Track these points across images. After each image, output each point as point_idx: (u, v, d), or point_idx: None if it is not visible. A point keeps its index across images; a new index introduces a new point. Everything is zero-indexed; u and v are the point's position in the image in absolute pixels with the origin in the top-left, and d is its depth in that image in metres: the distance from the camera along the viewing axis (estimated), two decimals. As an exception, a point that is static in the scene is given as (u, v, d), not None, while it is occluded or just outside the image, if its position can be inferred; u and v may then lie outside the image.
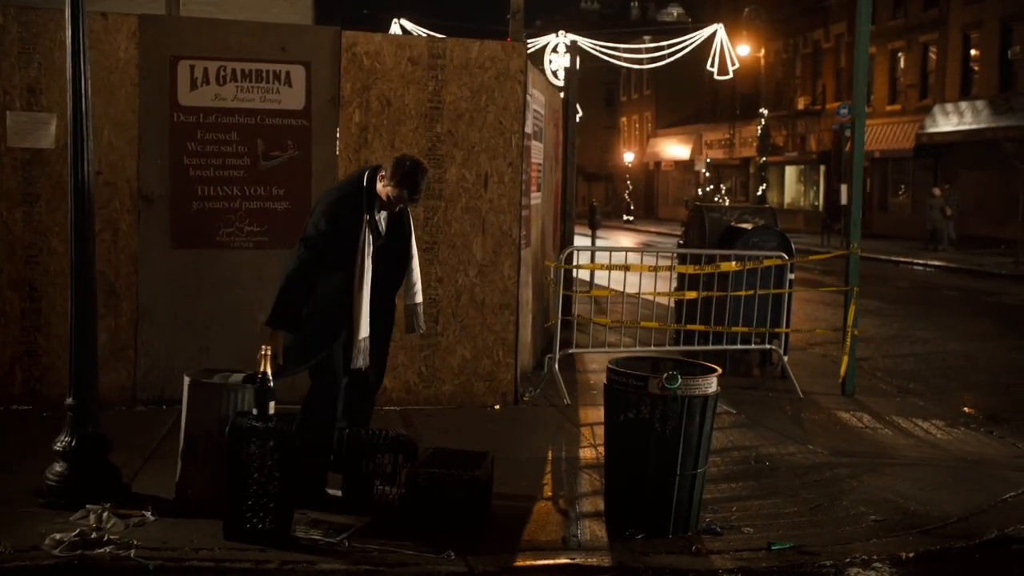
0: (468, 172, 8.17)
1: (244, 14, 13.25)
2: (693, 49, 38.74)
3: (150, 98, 7.64)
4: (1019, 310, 17.92)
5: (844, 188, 35.94)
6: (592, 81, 70.19)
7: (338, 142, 7.92)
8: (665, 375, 5.40)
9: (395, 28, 35.31)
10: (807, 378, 10.27)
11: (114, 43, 7.58)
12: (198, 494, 5.52)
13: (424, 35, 38.14)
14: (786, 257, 9.52)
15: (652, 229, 50.00)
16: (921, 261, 28.81)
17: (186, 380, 5.70)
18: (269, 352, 5.26)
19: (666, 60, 41.43)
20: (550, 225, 11.80)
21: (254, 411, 5.21)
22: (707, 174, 52.31)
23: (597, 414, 8.26)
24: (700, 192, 50.22)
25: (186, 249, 7.73)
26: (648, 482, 5.48)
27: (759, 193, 42.79)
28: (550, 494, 6.22)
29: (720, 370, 5.71)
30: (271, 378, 5.22)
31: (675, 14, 78.50)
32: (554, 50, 36.85)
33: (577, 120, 45.77)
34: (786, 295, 10.04)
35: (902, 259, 29.74)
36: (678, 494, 5.49)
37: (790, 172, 49.44)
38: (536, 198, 10.35)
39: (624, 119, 71.93)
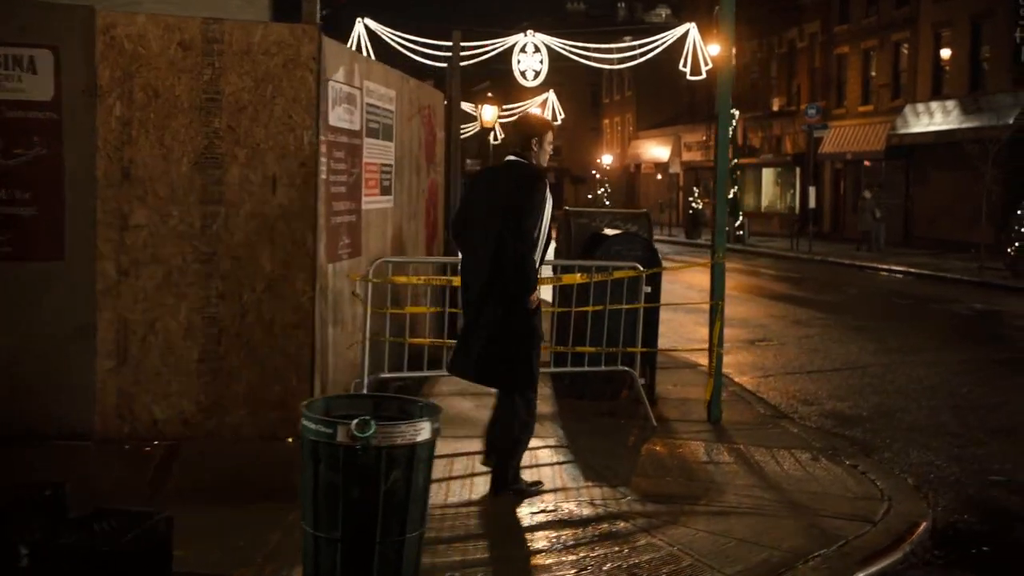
0: (253, 173, 7.18)
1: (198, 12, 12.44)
2: (672, 50, 37.81)
3: None
4: (962, 320, 16.93)
5: (812, 191, 35.03)
6: (579, 83, 69.40)
7: (97, 138, 6.93)
8: (355, 421, 4.41)
9: (359, 29, 34.38)
10: (678, 402, 9.32)
11: None
12: None
13: (395, 36, 37.22)
14: (639, 268, 8.52)
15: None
16: (884, 266, 27.83)
17: None
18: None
19: (637, 60, 40.47)
20: (416, 231, 10.83)
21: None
22: (677, 175, 51.38)
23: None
24: (684, 195, 49.35)
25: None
26: (344, 552, 4.49)
27: (730, 196, 41.72)
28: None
29: (440, 409, 4.72)
30: None
31: (663, 15, 77.61)
32: (522, 50, 35.90)
33: (558, 122, 44.75)
34: (647, 310, 9.04)
35: (867, 264, 28.77)
36: (379, 565, 4.50)
37: (767, 174, 48.46)
38: (380, 202, 9.38)
39: (607, 121, 71.07)
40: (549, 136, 6.50)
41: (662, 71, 45.04)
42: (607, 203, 58.79)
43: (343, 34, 33.72)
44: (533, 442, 7.57)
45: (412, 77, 10.66)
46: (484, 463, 6.50)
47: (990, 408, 9.73)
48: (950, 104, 32.41)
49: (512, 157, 6.46)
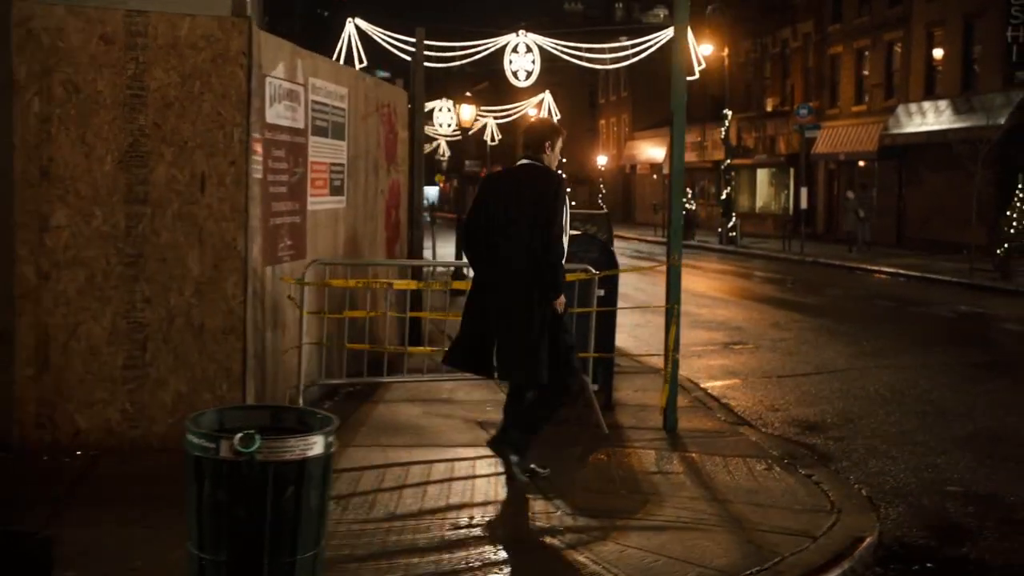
0: (180, 172, 6.91)
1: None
2: (667, 50, 37.49)
3: None
4: (943, 322, 16.66)
5: (804, 191, 34.78)
6: (576, 84, 69.08)
7: (14, 136, 6.67)
8: (239, 436, 4.14)
9: (349, 29, 34.12)
10: (636, 409, 9.04)
11: None
12: None
13: (385, 35, 36.93)
14: (591, 270, 8.24)
15: (623, 234, 48.67)
16: (874, 267, 27.54)
17: None
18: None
19: (630, 61, 40.22)
20: (374, 232, 10.55)
21: None
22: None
23: (355, 457, 7.04)
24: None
25: None
26: (230, 575, 4.22)
27: (723, 197, 41.46)
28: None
29: (335, 421, 4.44)
30: None
31: (661, 16, 77.24)
32: (514, 50, 35.60)
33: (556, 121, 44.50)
34: (603, 314, 8.77)
35: (857, 265, 28.48)
36: (267, 588, 4.22)
37: (761, 175, 48.17)
38: (331, 202, 9.12)
39: (603, 121, 70.76)
40: (560, 140, 6.71)
41: (658, 71, 44.67)
42: (601, 204, 58.49)
43: (338, 35, 33.55)
44: (472, 452, 7.34)
45: (368, 74, 10.39)
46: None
47: (957, 415, 9.45)
48: (942, 104, 32.12)
49: (526, 161, 6.61)
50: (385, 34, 38.33)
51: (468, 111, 20.30)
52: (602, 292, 8.36)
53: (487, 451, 7.38)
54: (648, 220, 55.56)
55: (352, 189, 9.73)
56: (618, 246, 40.71)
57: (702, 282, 24.09)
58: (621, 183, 64.46)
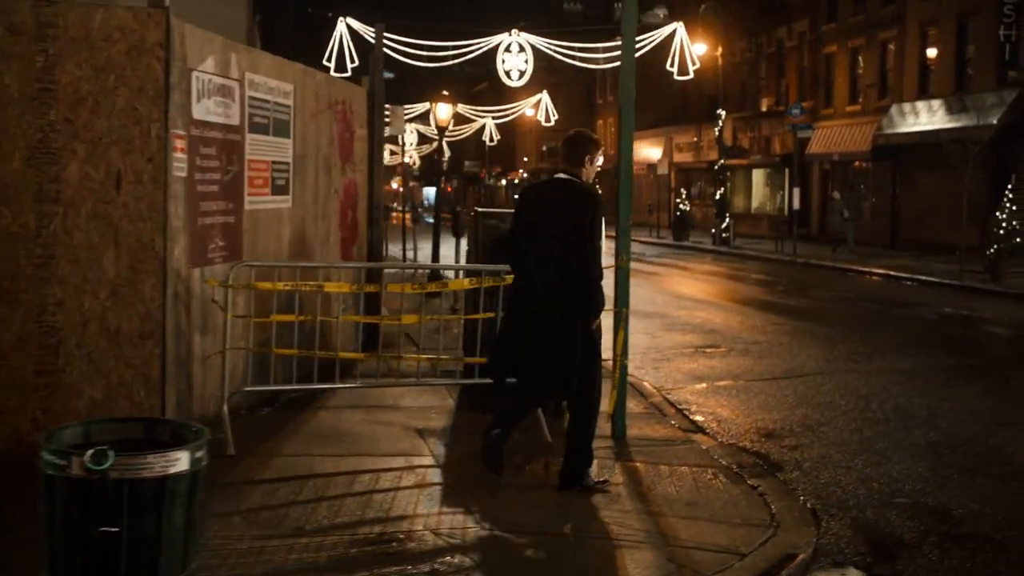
0: (94, 170, 6.62)
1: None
2: (662, 50, 37.22)
3: None
4: (924, 325, 16.34)
5: (796, 192, 34.45)
6: (575, 85, 68.76)
7: (-83, 133, 6.39)
8: (90, 452, 3.85)
9: (341, 28, 33.83)
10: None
11: None
12: None
13: (373, 33, 36.66)
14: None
15: (613, 234, 48.37)
16: (865, 268, 27.21)
17: None
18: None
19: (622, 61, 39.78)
20: (327, 233, 10.26)
21: None
22: (667, 176, 50.76)
23: (277, 467, 6.75)
24: (674, 196, 48.76)
25: None
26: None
27: (716, 197, 41.11)
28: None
29: (205, 434, 4.16)
30: None
31: (661, 15, 76.86)
32: (507, 49, 35.29)
33: (552, 123, 43.93)
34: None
35: (848, 266, 28.14)
36: (125, 616, 3.93)
37: (757, 175, 47.79)
38: (273, 202, 8.84)
39: (600, 122, 70.44)
40: (599, 152, 6.74)
41: (654, 71, 44.45)
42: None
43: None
44: (402, 461, 7.05)
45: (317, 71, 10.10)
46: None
47: (920, 421, 9.13)
48: (936, 104, 31.77)
49: (564, 175, 6.57)
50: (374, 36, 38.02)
51: (444, 110, 19.98)
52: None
53: (420, 460, 7.11)
54: (643, 220, 55.20)
55: (300, 188, 9.45)
56: (608, 246, 40.11)
57: (688, 284, 23.79)
58: (617, 183, 64.07)
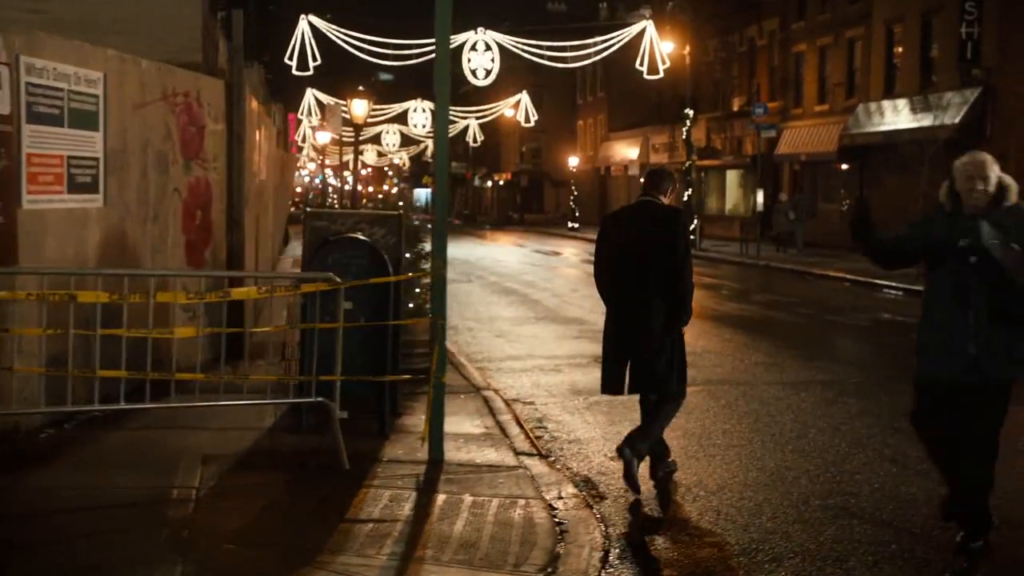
0: None
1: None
2: (635, 48, 36.55)
3: None
4: (852, 332, 15.54)
5: (760, 193, 33.75)
6: (560, 85, 67.95)
7: None
8: None
9: (303, 26, 33.09)
10: (417, 438, 7.90)
11: None
12: None
13: (339, 36, 35.96)
14: (337, 280, 7.10)
15: (592, 237, 47.62)
16: (823, 272, 26.48)
17: None
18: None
19: (592, 59, 39.28)
20: (160, 235, 9.47)
21: None
22: (637, 177, 49.92)
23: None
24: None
25: None
26: None
27: (684, 198, 40.28)
28: None
29: None
30: None
31: (647, 15, 76.16)
32: (473, 48, 34.57)
33: (532, 123, 43.19)
34: (378, 329, 7.70)
35: (806, 269, 27.38)
36: None
37: (731, 177, 46.99)
38: (71, 201, 8.08)
39: (581, 123, 69.68)
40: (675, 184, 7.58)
41: (634, 71, 43.71)
42: (573, 206, 57.48)
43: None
44: (155, 494, 6.26)
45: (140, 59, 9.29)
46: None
47: (778, 445, 8.32)
48: (900, 103, 30.99)
49: (648, 198, 7.20)
50: (339, 31, 37.26)
51: (360, 106, 19.14)
52: (349, 305, 7.23)
53: (175, 492, 6.32)
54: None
55: (117, 186, 8.66)
56: (564, 248, 39.44)
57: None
58: (597, 184, 63.31)
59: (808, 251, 32.05)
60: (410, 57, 37.12)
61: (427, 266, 11.10)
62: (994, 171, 5.64)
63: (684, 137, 40.55)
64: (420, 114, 56.22)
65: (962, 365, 5.56)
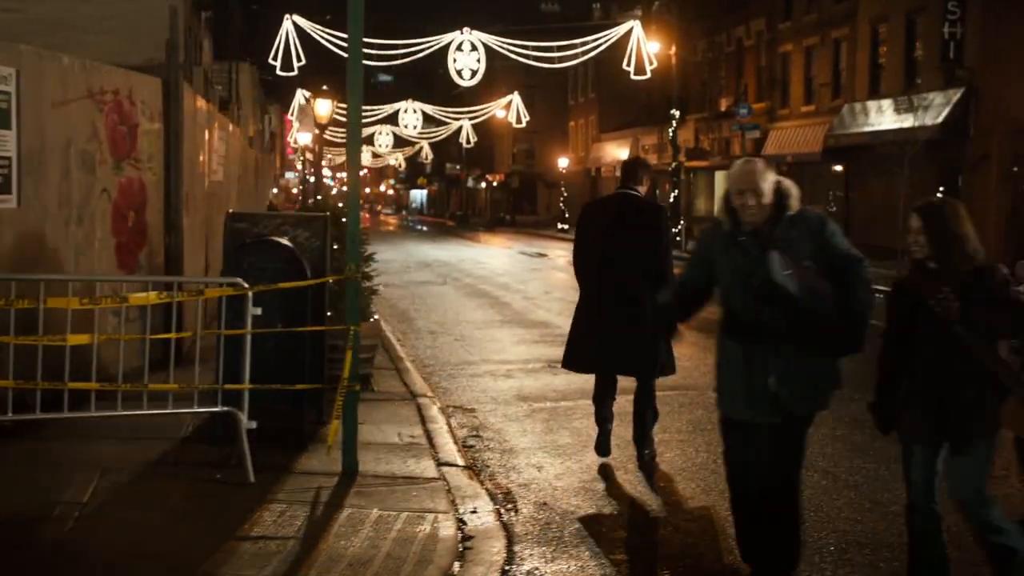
0: None
1: None
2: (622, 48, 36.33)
3: None
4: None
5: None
6: (553, 86, 67.69)
7: None
8: None
9: (287, 26, 32.82)
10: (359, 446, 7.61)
11: None
12: None
13: (322, 35, 35.65)
14: (244, 284, 6.81)
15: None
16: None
17: None
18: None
19: (578, 60, 39.08)
20: (84, 238, 9.18)
21: None
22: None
23: None
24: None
25: None
26: None
27: (670, 200, 40.03)
28: None
29: None
30: None
31: (639, 15, 75.89)
32: (459, 48, 34.32)
33: (523, 124, 42.91)
34: (306, 332, 7.42)
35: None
36: None
37: (720, 178, 46.63)
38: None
39: (572, 123, 69.42)
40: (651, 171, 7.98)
41: (624, 72, 43.40)
42: (563, 208, 57.21)
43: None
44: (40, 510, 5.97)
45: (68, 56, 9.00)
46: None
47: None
48: (885, 103, 30.69)
49: (628, 190, 7.66)
50: (323, 31, 36.94)
51: (324, 106, 18.86)
52: (259, 311, 6.93)
53: (63, 508, 6.04)
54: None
55: (34, 187, 8.36)
56: (551, 249, 39.02)
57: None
58: (588, 185, 63.00)
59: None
60: (396, 57, 36.92)
61: (374, 269, 10.86)
62: (767, 180, 4.98)
63: (670, 138, 40.28)
64: (411, 115, 56.00)
65: (763, 401, 5.02)
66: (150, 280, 7.30)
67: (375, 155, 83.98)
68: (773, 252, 4.84)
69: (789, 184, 5.08)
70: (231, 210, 9.33)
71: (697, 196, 46.93)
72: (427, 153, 79.73)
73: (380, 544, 5.70)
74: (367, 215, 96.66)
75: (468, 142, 69.69)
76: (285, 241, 7.67)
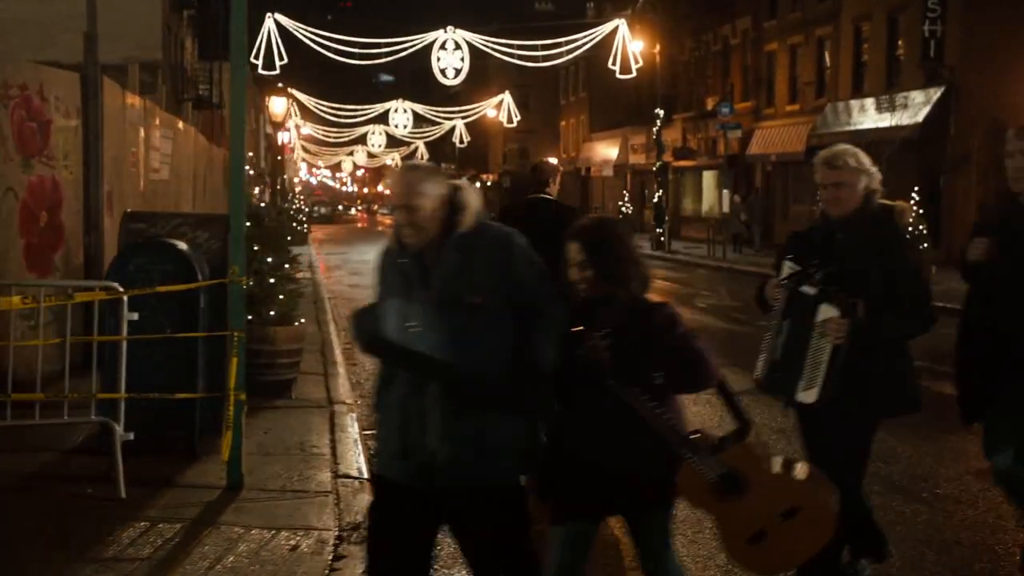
0: None
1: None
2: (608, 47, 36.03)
3: None
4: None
5: (726, 194, 33.17)
6: (547, 86, 67.37)
7: None
8: None
9: (269, 25, 32.47)
10: (257, 457, 7.26)
11: None
12: None
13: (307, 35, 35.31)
14: (118, 288, 6.45)
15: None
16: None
17: None
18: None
19: (563, 58, 38.80)
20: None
21: None
22: (624, 177, 49.40)
23: None
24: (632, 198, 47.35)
25: None
26: None
27: (655, 200, 39.64)
28: None
29: None
30: None
31: (629, 15, 75.55)
32: (442, 47, 34.00)
33: (514, 124, 42.53)
34: (196, 339, 7.07)
35: (770, 272, 26.66)
36: None
37: (707, 177, 46.29)
38: None
39: (564, 123, 69.02)
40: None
41: (613, 71, 42.98)
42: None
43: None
44: None
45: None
46: None
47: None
48: (868, 102, 30.35)
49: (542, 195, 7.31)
50: (306, 29, 36.57)
51: (279, 104, 18.50)
52: (135, 316, 6.57)
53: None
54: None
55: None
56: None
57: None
58: (578, 185, 62.64)
59: (771, 251, 31.40)
60: (379, 56, 36.55)
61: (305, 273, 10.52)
62: (429, 192, 3.76)
63: (654, 138, 39.89)
64: (401, 114, 55.64)
65: (418, 465, 3.79)
66: (12, 285, 6.90)
67: (370, 155, 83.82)
68: (391, 302, 3.83)
69: (467, 193, 3.83)
70: (128, 210, 8.93)
71: (685, 196, 46.58)
72: (422, 153, 79.50)
73: (241, 567, 5.34)
74: (364, 215, 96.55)
75: (461, 142, 69.20)
76: (179, 243, 7.29)
